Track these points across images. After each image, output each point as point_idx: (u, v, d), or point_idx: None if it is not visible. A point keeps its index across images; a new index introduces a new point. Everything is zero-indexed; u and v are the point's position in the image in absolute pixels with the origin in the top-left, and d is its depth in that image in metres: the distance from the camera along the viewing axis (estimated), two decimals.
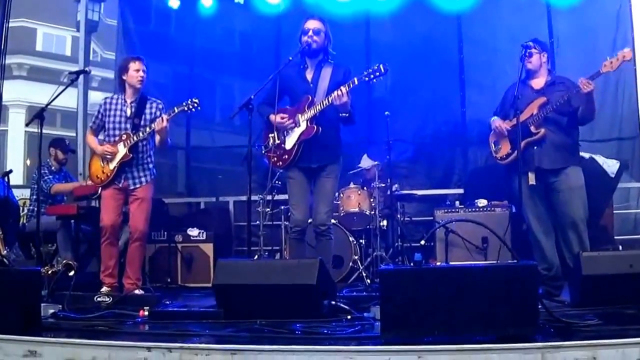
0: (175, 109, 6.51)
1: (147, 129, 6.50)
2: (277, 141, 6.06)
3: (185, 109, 6.48)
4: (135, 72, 6.62)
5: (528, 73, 6.10)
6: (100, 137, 6.84)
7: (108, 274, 6.51)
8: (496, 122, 6.30)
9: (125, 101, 6.69)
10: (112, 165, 6.56)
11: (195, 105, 6.47)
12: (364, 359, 3.62)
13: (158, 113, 6.67)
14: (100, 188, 6.78)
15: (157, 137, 6.61)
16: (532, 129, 5.93)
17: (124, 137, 6.56)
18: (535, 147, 5.96)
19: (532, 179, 5.97)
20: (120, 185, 6.59)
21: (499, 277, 3.81)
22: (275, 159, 6.09)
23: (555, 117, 5.92)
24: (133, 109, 6.65)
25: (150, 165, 6.74)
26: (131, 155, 6.54)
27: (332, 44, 6.16)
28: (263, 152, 6.22)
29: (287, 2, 10.09)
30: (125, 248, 6.91)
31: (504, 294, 3.75)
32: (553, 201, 5.98)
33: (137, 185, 6.62)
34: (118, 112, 6.67)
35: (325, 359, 3.65)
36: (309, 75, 6.13)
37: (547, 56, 6.17)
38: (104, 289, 6.35)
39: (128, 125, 6.62)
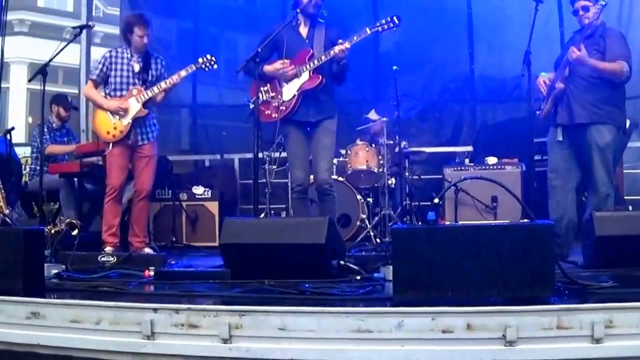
0: (193, 66, 6.42)
1: (163, 85, 6.40)
2: (272, 93, 6.01)
3: (203, 67, 6.42)
4: (139, 38, 6.44)
5: (582, 27, 5.86)
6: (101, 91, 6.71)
7: (112, 233, 6.45)
8: (539, 78, 6.08)
9: (133, 56, 6.54)
10: (126, 121, 6.41)
11: (213, 62, 6.41)
12: (376, 321, 3.55)
13: (162, 70, 6.60)
14: (110, 145, 6.52)
15: (163, 94, 6.50)
16: (557, 84, 5.80)
17: (135, 92, 6.44)
18: (559, 103, 5.85)
19: (559, 134, 5.87)
20: (130, 142, 6.48)
21: (515, 237, 3.70)
22: (269, 111, 6.04)
23: (580, 72, 5.72)
24: (140, 65, 6.54)
25: (155, 122, 6.67)
26: (147, 111, 6.45)
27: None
28: (251, 106, 6.09)
29: None
30: (129, 206, 6.85)
31: (520, 255, 3.65)
32: (579, 159, 5.88)
33: (145, 142, 6.53)
34: (125, 67, 6.51)
35: (336, 321, 3.58)
36: (303, 31, 6.09)
37: (602, 7, 5.69)
38: (108, 248, 6.31)
39: (136, 81, 6.49)
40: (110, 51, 6.61)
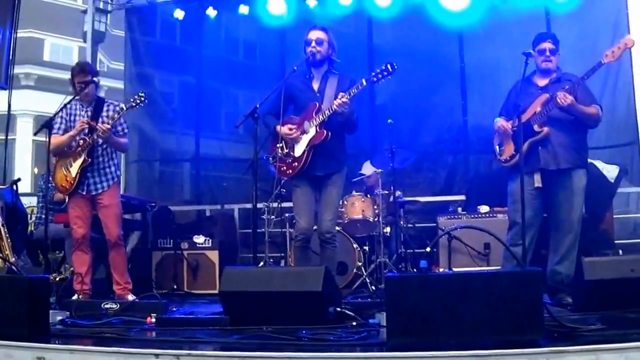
0: (124, 106, 6.42)
1: (100, 133, 6.32)
2: (286, 150, 6.07)
3: (133, 104, 6.35)
4: (78, 86, 6.46)
5: (543, 72, 6.03)
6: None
7: (79, 281, 6.43)
8: (499, 122, 6.19)
9: (83, 106, 6.61)
10: (74, 172, 6.47)
11: (142, 99, 6.32)
12: None
13: (115, 115, 6.47)
14: (67, 197, 6.67)
15: (115, 141, 6.55)
16: (536, 127, 5.85)
17: (81, 142, 6.45)
18: (540, 147, 5.87)
19: (537, 180, 5.90)
20: (85, 193, 6.51)
21: (505, 284, 3.82)
22: (284, 167, 6.10)
23: (560, 116, 5.80)
24: (89, 113, 6.56)
25: (112, 169, 6.65)
26: (89, 160, 6.45)
27: (337, 52, 6.19)
28: (271, 162, 6.24)
29: (291, 13, 10.17)
30: (131, 254, 6.92)
31: (510, 300, 3.76)
32: (550, 202, 5.96)
33: (100, 191, 6.53)
34: (78, 119, 6.55)
35: None
36: (315, 85, 6.15)
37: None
38: (75, 296, 6.29)
39: (87, 130, 6.46)
40: (66, 104, 6.57)
